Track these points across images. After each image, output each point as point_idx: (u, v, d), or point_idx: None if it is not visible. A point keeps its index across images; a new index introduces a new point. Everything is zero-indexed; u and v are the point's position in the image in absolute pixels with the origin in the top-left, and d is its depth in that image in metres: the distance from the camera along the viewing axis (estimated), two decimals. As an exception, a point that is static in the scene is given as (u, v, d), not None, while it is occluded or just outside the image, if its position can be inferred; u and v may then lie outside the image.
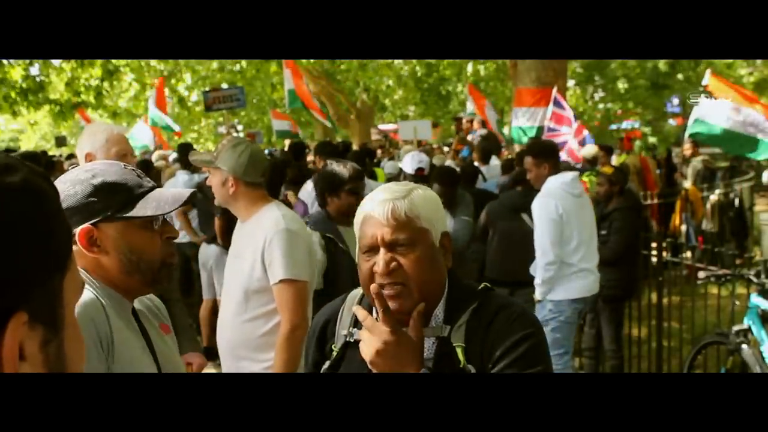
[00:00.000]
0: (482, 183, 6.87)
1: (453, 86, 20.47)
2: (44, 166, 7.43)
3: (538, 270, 4.50)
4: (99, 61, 12.55)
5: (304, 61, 12.69)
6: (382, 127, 20.28)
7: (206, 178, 3.05)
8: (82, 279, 0.75)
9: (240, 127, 21.15)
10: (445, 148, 12.54)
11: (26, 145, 30.36)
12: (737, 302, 4.81)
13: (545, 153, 4.67)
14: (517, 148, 8.36)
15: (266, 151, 10.38)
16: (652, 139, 23.81)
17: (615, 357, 5.39)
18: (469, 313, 1.57)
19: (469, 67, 17.62)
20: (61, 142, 18.68)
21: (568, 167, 5.40)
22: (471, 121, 12.23)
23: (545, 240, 4.45)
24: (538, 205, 4.53)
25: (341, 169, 3.54)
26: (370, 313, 1.59)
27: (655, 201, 9.27)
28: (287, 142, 11.75)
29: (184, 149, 7.62)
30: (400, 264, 1.54)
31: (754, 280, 4.42)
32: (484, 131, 10.76)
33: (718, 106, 5.28)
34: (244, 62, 16.04)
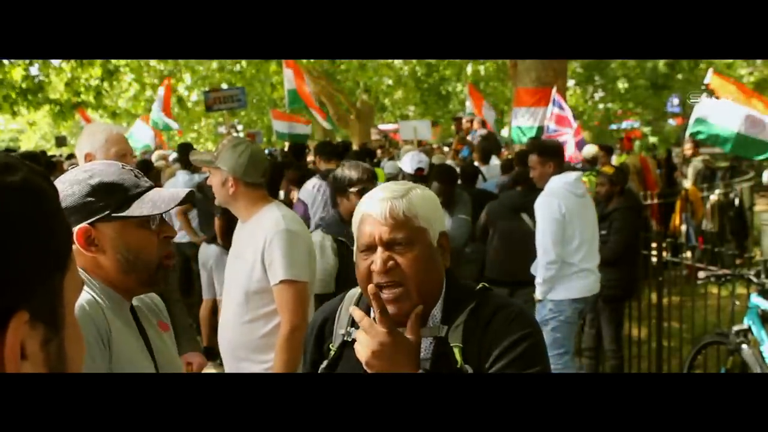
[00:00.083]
0: (482, 183, 6.87)
1: (453, 86, 20.47)
2: (44, 166, 7.41)
3: (539, 269, 4.50)
4: (99, 61, 12.53)
5: (304, 61, 12.66)
6: (382, 127, 20.27)
7: (206, 178, 3.06)
8: (82, 278, 0.75)
9: (240, 127, 21.13)
10: (445, 148, 12.54)
11: (26, 145, 30.39)
12: (737, 302, 4.81)
13: (550, 151, 4.68)
14: (516, 148, 8.35)
15: (266, 151, 10.33)
16: (652, 139, 23.81)
17: (615, 357, 5.39)
18: (467, 313, 1.56)
19: (469, 67, 17.60)
20: (61, 142, 18.71)
21: (570, 167, 5.40)
22: (471, 121, 12.23)
23: (547, 239, 4.45)
24: (541, 204, 4.53)
25: (350, 170, 3.54)
26: (368, 313, 1.59)
27: (655, 201, 9.27)
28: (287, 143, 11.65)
29: (184, 149, 7.61)
30: (397, 263, 1.53)
31: (754, 280, 4.42)
32: (483, 131, 10.76)
33: (725, 107, 5.23)
34: (244, 62, 16.03)
